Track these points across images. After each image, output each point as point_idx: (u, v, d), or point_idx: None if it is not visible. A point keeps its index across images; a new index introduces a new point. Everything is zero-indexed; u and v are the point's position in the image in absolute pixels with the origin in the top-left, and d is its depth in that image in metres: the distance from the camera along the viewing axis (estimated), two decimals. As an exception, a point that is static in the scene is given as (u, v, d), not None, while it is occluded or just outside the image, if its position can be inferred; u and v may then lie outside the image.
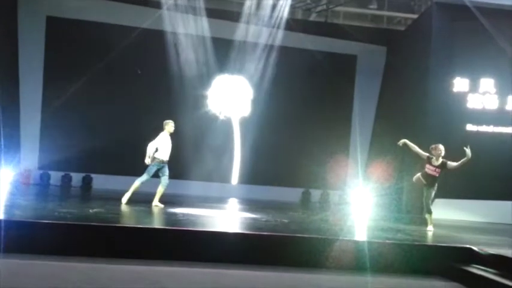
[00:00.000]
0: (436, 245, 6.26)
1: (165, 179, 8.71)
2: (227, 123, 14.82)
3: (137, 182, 8.63)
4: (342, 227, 7.99)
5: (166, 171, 8.74)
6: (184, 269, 5.06)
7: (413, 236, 7.20)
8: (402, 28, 15.13)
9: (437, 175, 7.88)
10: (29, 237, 5.35)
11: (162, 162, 8.66)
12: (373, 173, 13.82)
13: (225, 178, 14.70)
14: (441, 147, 7.97)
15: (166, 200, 9.05)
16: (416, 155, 8.20)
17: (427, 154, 8.02)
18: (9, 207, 7.28)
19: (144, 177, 8.60)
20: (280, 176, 14.64)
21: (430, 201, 8.03)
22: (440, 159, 7.91)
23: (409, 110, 13.06)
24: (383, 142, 14.21)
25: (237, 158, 14.87)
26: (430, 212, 8.10)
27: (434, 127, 11.91)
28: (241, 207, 10.68)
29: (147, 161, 8.56)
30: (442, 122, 12.00)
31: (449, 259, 5.79)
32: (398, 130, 13.34)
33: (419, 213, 11.51)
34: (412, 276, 5.51)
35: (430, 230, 7.98)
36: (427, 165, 7.95)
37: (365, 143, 15.07)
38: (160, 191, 8.79)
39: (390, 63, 14.95)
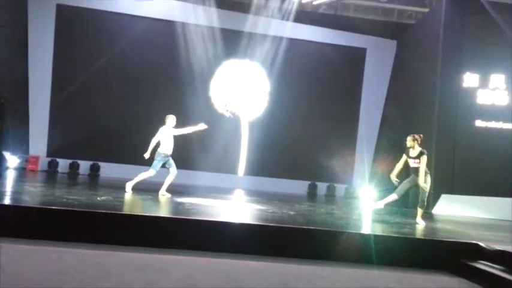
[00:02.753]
0: (442, 240, 6.23)
1: (173, 169, 8.76)
2: (235, 115, 14.82)
3: (143, 175, 8.64)
4: (348, 220, 7.99)
5: (173, 162, 8.78)
6: (189, 258, 5.09)
7: (419, 231, 7.19)
8: (413, 22, 15.03)
9: (419, 165, 7.75)
10: (37, 223, 5.41)
11: (166, 156, 8.69)
12: (379, 167, 13.79)
13: (232, 169, 14.73)
14: (408, 138, 7.84)
15: (172, 189, 9.08)
16: (404, 165, 8.04)
17: (404, 156, 7.91)
18: (18, 194, 7.34)
19: (151, 172, 8.59)
20: (286, 169, 14.68)
21: (426, 196, 7.91)
22: (417, 149, 7.75)
23: (418, 105, 13.00)
24: (391, 136, 14.16)
25: (244, 150, 14.88)
26: (422, 207, 8.00)
27: (443, 122, 11.87)
28: (247, 199, 10.70)
29: (146, 155, 8.58)
30: (451, 117, 11.95)
31: (456, 255, 5.77)
32: (407, 125, 13.30)
33: (426, 208, 11.50)
34: (418, 271, 5.51)
35: (420, 223, 7.88)
36: (408, 160, 7.87)
37: (372, 137, 15.05)
38: (168, 180, 8.84)
39: (400, 57, 14.87)
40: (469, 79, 12.10)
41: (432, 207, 11.53)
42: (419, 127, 12.72)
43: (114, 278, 4.15)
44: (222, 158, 14.16)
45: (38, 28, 13.53)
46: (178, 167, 8.87)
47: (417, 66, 13.38)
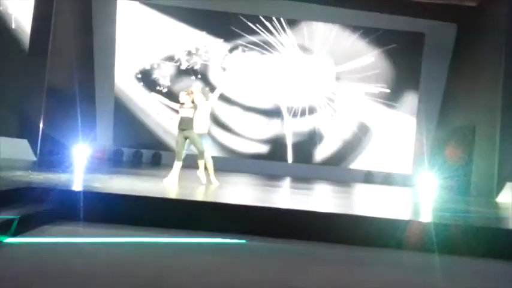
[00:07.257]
0: (507, 229, 6.11)
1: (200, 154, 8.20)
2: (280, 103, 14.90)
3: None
4: (408, 208, 7.94)
5: (197, 143, 8.00)
6: (257, 243, 5.28)
7: (483, 219, 7.05)
8: (474, 4, 14.42)
9: (191, 116, 7.80)
10: (109, 208, 5.62)
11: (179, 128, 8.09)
12: (440, 154, 13.49)
13: (281, 157, 14.81)
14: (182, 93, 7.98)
15: (228, 179, 9.26)
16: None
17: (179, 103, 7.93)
18: (89, 181, 7.79)
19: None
20: (342, 156, 14.68)
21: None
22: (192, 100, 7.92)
23: (481, 91, 12.53)
24: (451, 123, 13.79)
25: (289, 137, 14.88)
26: (203, 158, 8.09)
27: (508, 109, 11.40)
28: (304, 186, 10.79)
29: None
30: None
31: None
32: (469, 112, 12.90)
33: (489, 196, 11.17)
34: (482, 259, 5.43)
35: (214, 182, 8.25)
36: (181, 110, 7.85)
37: (431, 123, 14.65)
38: (209, 168, 8.46)
39: (461, 42, 14.35)
40: (537, 63, 11.52)
41: (497, 196, 11.16)
42: (482, 114, 12.32)
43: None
44: (271, 147, 14.41)
45: (102, 23, 14.19)
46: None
47: (480, 51, 12.88)
